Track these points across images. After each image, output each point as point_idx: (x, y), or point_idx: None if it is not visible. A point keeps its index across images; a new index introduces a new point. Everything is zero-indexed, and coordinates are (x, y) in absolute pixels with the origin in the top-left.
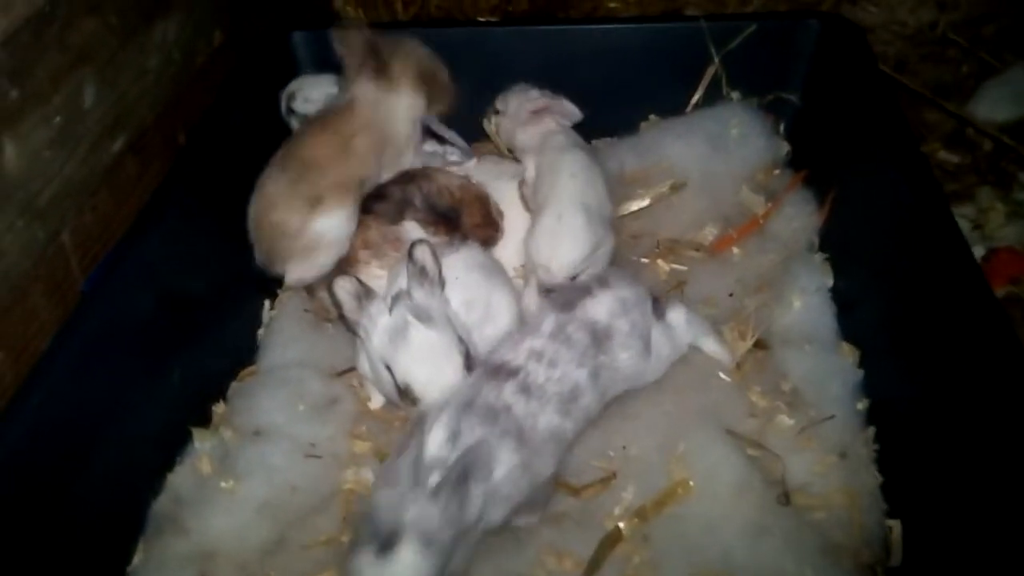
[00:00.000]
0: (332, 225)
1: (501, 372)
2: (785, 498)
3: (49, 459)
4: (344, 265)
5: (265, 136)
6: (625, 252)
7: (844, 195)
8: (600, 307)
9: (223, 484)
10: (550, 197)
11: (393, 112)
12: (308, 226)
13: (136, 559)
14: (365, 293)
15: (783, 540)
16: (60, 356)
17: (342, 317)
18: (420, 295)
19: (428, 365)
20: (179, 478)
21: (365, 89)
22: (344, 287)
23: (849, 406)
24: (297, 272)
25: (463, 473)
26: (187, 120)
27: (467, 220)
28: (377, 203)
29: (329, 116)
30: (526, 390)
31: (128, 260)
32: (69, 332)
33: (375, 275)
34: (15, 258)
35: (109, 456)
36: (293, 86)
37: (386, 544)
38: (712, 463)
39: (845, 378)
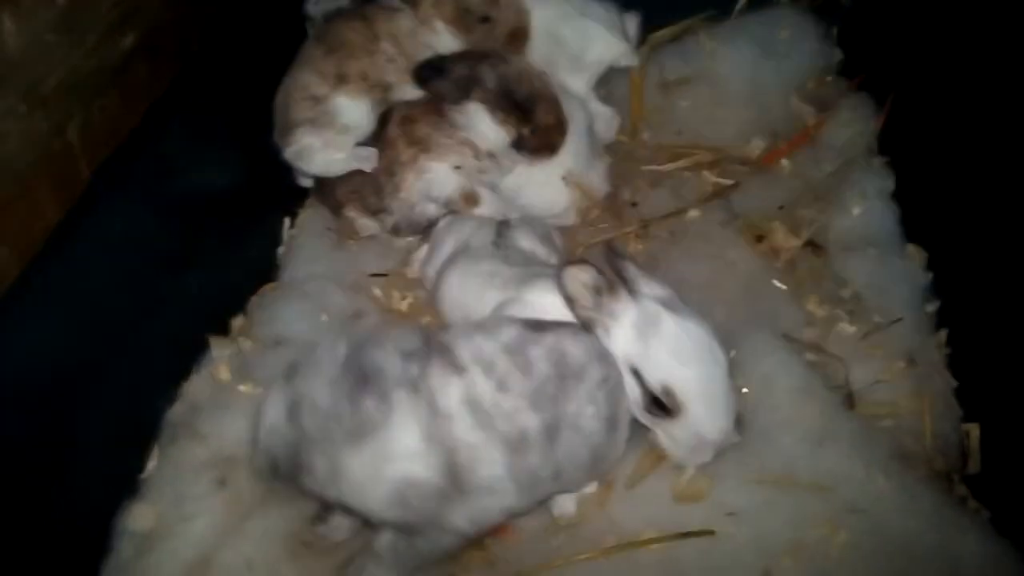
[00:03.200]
0: (350, 108)
1: (445, 356)
2: (850, 401)
3: (52, 362)
4: (387, 172)
5: (281, 47)
6: (667, 169)
7: (905, 95)
8: (578, 344)
9: (242, 387)
10: None
11: (431, 47)
12: (330, 97)
13: (150, 466)
14: (607, 286)
15: (850, 445)
16: (64, 248)
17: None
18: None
19: (694, 362)
20: (195, 386)
21: (407, 13)
22: (579, 278)
23: (917, 309)
24: (304, 141)
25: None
26: (203, 25)
27: (541, 116)
28: (434, 78)
29: (375, 9)
30: (474, 406)
31: (140, 159)
32: (73, 225)
33: (425, 170)
34: (16, 147)
35: (121, 362)
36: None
37: None
38: (768, 370)
39: (913, 281)
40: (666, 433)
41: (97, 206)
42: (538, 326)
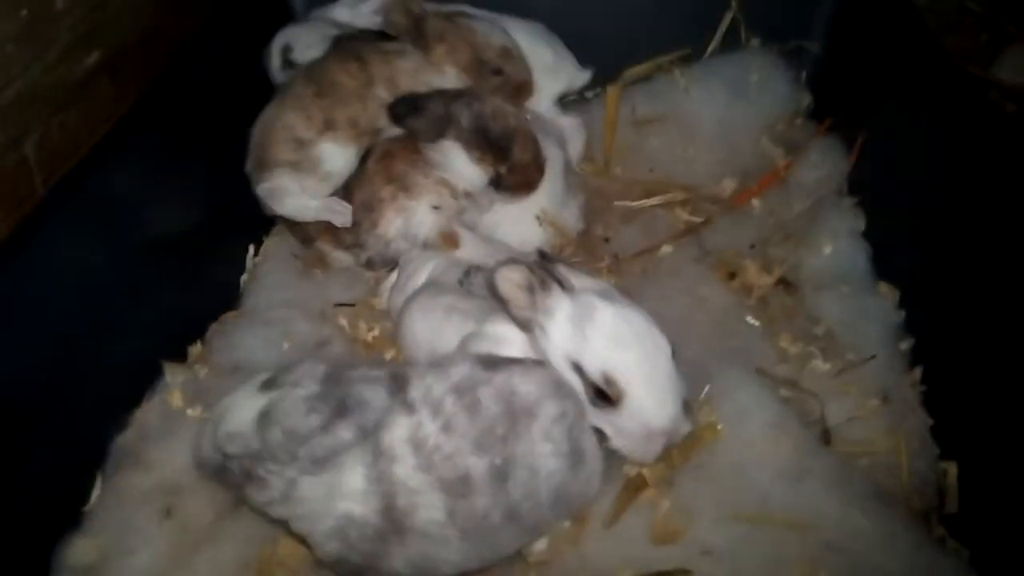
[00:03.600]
0: (335, 155)
1: (399, 394)
2: (826, 437)
3: None
4: (364, 208)
5: (249, 76)
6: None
7: (874, 138)
8: (529, 381)
9: (190, 412)
10: None
11: (424, 87)
12: (316, 143)
13: (93, 497)
14: (540, 283)
15: (826, 482)
16: (10, 266)
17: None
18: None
19: (633, 347)
20: (146, 413)
21: (412, 55)
22: (510, 277)
23: (891, 347)
24: (279, 182)
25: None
26: (168, 47)
27: (518, 154)
28: (409, 115)
29: (372, 50)
30: (418, 448)
31: (96, 178)
32: (22, 242)
33: (405, 208)
34: None
35: (68, 388)
36: (286, 37)
37: None
38: (742, 405)
39: (885, 318)
40: (614, 427)
41: (49, 224)
42: (490, 364)
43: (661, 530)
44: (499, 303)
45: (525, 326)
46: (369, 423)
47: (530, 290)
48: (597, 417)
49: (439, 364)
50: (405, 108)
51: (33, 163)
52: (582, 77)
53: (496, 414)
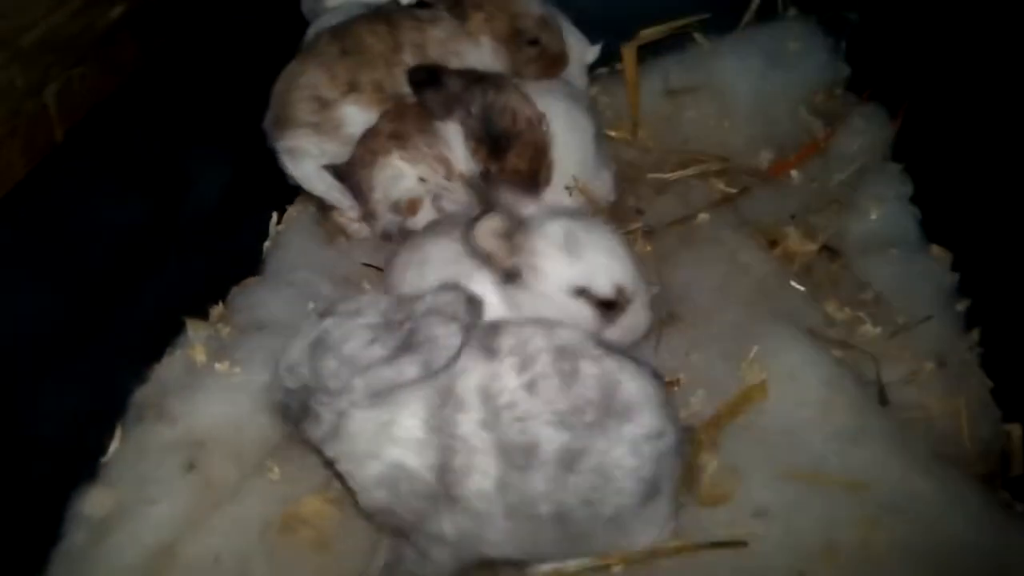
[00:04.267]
0: (356, 117)
1: (481, 338)
2: (883, 397)
3: (10, 329)
4: (365, 156)
5: (278, 36)
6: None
7: (918, 103)
8: (638, 382)
9: (218, 366)
10: None
11: (462, 58)
12: (339, 104)
13: (111, 449)
14: (517, 225)
15: (884, 443)
16: (32, 205)
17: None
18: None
19: (623, 253)
20: (167, 368)
21: (445, 23)
22: (490, 227)
23: (946, 309)
24: (299, 143)
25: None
26: (193, 8)
27: (513, 159)
28: (429, 90)
29: (403, 15)
30: (488, 400)
31: (119, 131)
32: (45, 181)
33: (393, 167)
34: None
35: (88, 338)
36: (319, 28)
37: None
38: (793, 366)
39: (938, 281)
40: (621, 328)
41: (67, 169)
42: (604, 344)
43: (710, 492)
44: (482, 260)
45: (512, 275)
46: (438, 363)
47: (508, 236)
48: (601, 327)
49: (546, 322)
50: (425, 76)
51: (53, 112)
52: (592, 51)
53: (591, 398)
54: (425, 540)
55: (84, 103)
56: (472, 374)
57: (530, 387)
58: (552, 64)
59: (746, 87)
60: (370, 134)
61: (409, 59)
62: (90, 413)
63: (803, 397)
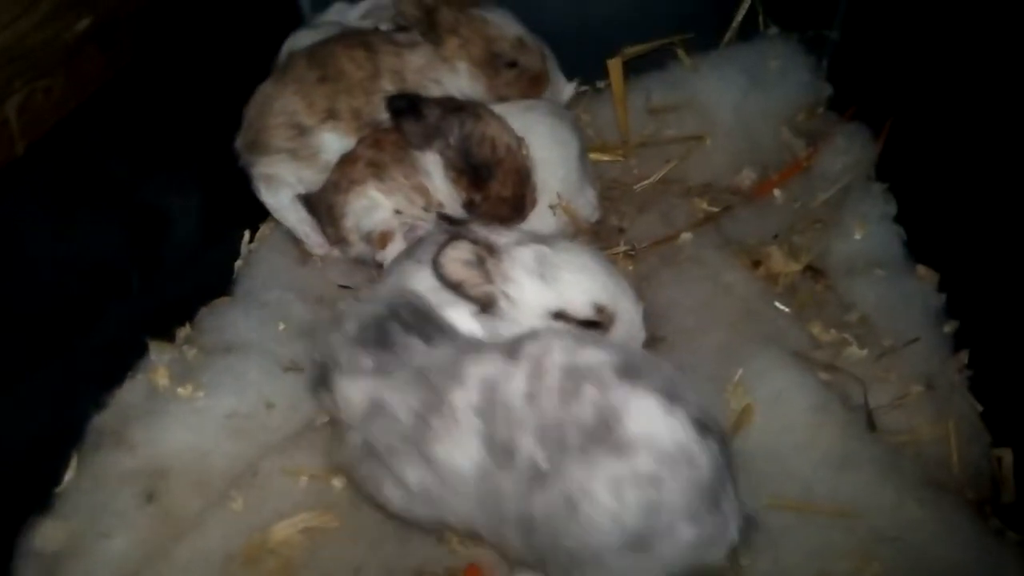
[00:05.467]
0: (334, 144)
1: (515, 342)
2: (871, 422)
3: None
4: (341, 182)
5: (251, 50)
6: (655, 197)
7: (902, 122)
8: (644, 420)
9: (180, 391)
10: None
11: (442, 85)
12: (316, 131)
13: (66, 478)
14: (488, 251)
15: (875, 470)
16: None
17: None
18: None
19: (599, 270)
20: (128, 393)
21: (423, 48)
22: (458, 256)
23: (933, 331)
24: (275, 170)
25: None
26: (166, 24)
27: (496, 187)
28: (407, 119)
29: (381, 40)
30: (489, 392)
31: (84, 146)
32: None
33: (368, 197)
34: None
35: (44, 362)
36: (295, 41)
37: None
38: (780, 388)
39: (925, 302)
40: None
41: (25, 185)
42: (631, 372)
43: None
44: (452, 290)
45: (487, 303)
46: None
47: (480, 263)
48: None
49: (581, 336)
50: (404, 105)
51: (15, 127)
52: (569, 89)
53: (584, 423)
54: (391, 479)
55: (48, 117)
56: (484, 365)
57: (531, 397)
58: (533, 84)
59: (728, 105)
60: (347, 160)
61: (388, 86)
62: (44, 439)
63: (789, 422)
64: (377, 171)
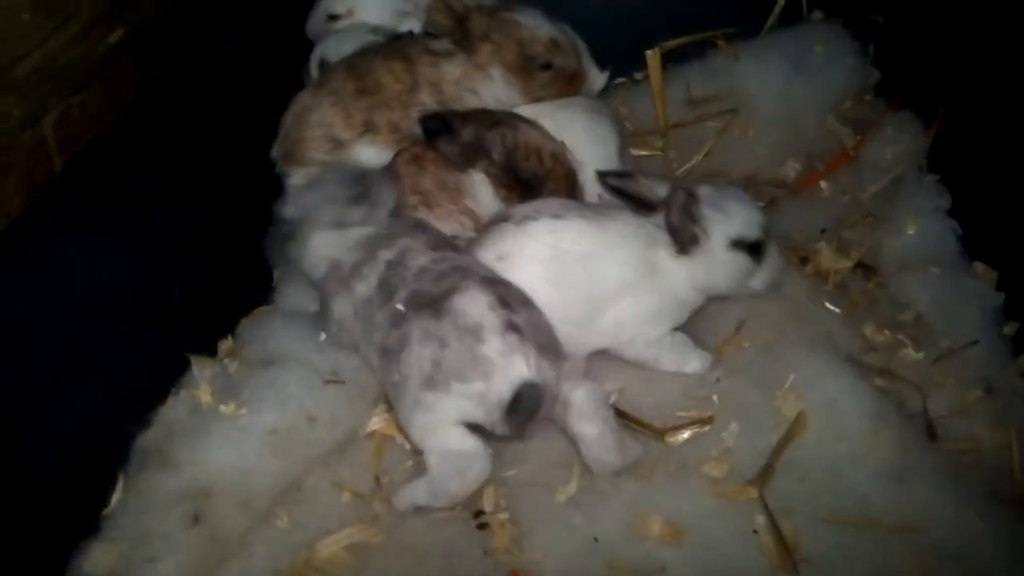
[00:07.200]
0: (372, 158)
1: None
2: (931, 431)
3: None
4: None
5: (283, 58)
6: None
7: (954, 110)
8: (471, 302)
9: (223, 408)
10: None
11: (479, 95)
12: (352, 145)
13: (114, 500)
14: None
15: (935, 481)
16: (29, 240)
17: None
18: None
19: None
20: (171, 410)
21: (458, 58)
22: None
23: (992, 332)
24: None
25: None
26: (200, 34)
27: (547, 196)
28: (443, 140)
29: (419, 50)
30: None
31: (122, 162)
32: (37, 219)
33: None
34: None
35: (86, 381)
36: (323, 49)
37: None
38: (833, 395)
39: (983, 301)
40: (768, 269)
41: (64, 204)
42: (491, 282)
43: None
44: (674, 235)
45: (694, 240)
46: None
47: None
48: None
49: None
50: (439, 126)
51: (52, 143)
52: (601, 79)
53: (434, 293)
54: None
55: (85, 132)
56: (408, 239)
57: (422, 270)
58: (569, 84)
59: (771, 94)
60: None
61: (426, 98)
62: (91, 460)
63: (844, 431)
64: (423, 198)
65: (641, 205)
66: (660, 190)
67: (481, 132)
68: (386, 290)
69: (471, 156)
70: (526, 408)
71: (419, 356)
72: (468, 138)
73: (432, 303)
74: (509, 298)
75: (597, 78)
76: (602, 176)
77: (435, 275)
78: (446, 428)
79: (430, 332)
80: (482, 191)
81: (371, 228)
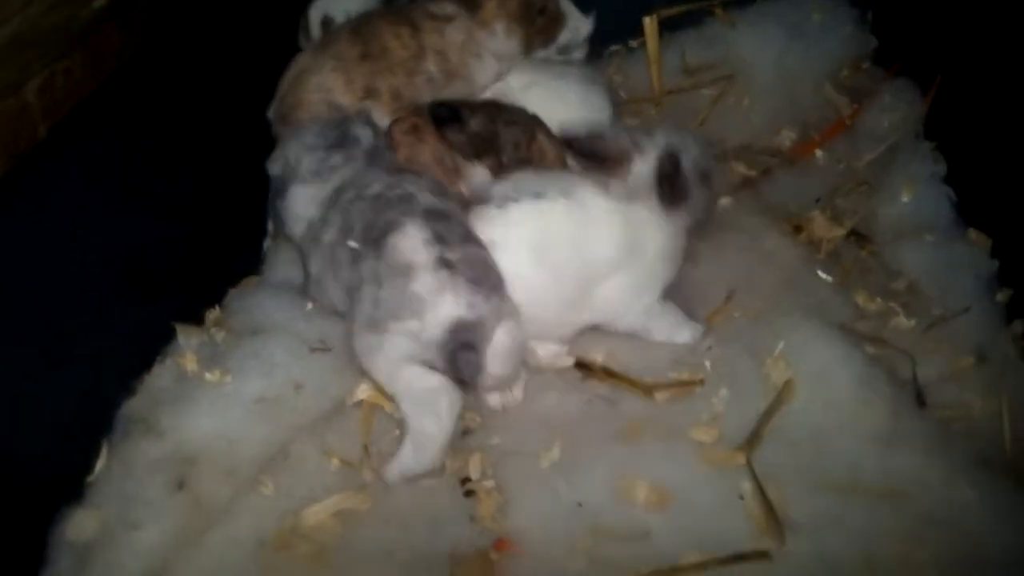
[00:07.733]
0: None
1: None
2: (921, 399)
3: None
4: None
5: (275, 20)
6: None
7: (951, 77)
8: (405, 240)
9: (208, 376)
10: None
11: (482, 59)
12: (351, 109)
13: (97, 467)
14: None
15: (925, 448)
16: (11, 206)
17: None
18: None
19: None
20: (157, 378)
21: (460, 21)
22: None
23: (985, 300)
24: None
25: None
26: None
27: None
28: (452, 129)
29: (424, 15)
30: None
31: (109, 123)
32: (20, 190)
33: None
34: None
35: (71, 350)
36: (325, 6)
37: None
38: (824, 363)
39: (977, 269)
40: None
41: (49, 169)
42: (434, 214)
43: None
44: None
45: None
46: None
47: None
48: None
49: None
50: (446, 114)
51: (36, 110)
52: (587, 24)
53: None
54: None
55: (68, 98)
56: (371, 180)
57: (377, 197)
58: (552, 26)
59: (767, 62)
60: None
61: (432, 67)
62: (75, 428)
63: (833, 397)
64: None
65: (612, 164)
66: (624, 141)
67: (495, 128)
68: (347, 228)
69: (479, 148)
70: (463, 345)
71: (367, 295)
72: (477, 128)
73: (376, 240)
74: (447, 233)
75: (582, 25)
76: (569, 142)
77: (384, 203)
78: (400, 367)
79: (374, 271)
80: (479, 179)
81: (348, 170)
